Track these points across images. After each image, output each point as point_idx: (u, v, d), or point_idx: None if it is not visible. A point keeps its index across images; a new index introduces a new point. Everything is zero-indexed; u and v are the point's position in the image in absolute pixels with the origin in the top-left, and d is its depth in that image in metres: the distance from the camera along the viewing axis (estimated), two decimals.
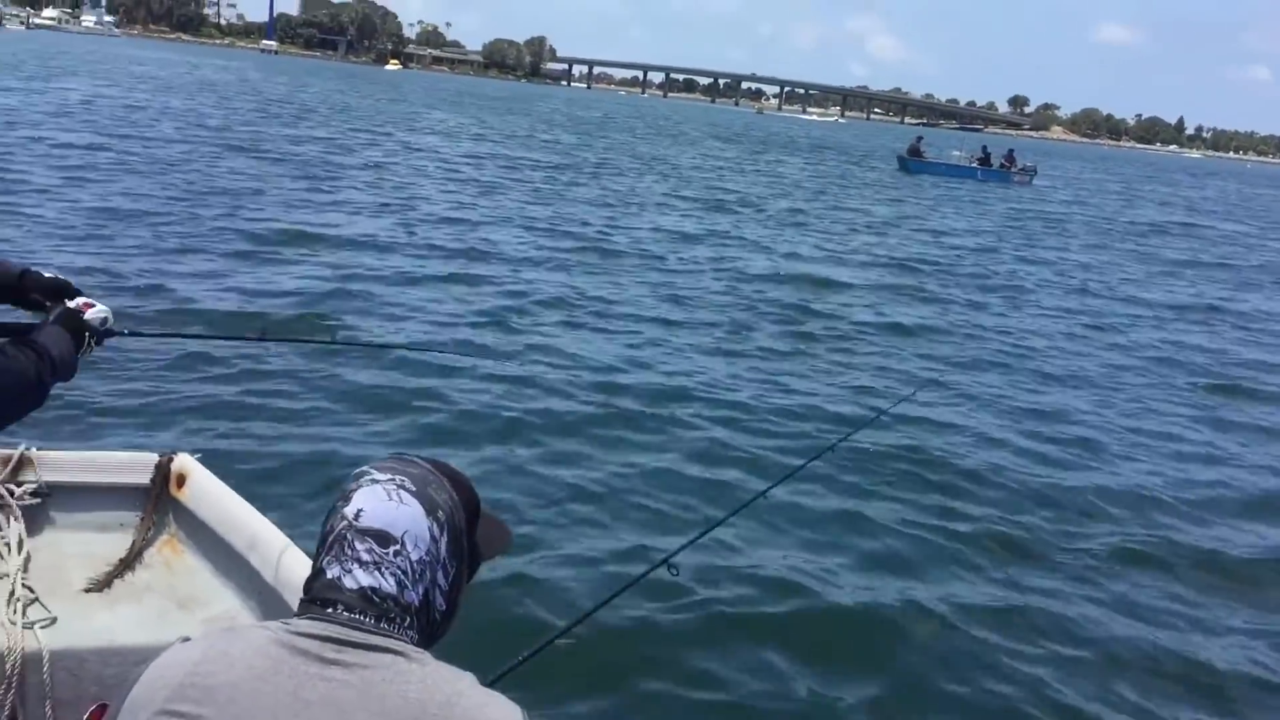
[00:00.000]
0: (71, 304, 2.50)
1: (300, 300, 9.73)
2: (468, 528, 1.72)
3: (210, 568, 3.62)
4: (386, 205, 18.21)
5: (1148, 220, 35.65)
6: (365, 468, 1.69)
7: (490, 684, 1.58)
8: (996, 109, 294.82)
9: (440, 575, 1.64)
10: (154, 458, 3.77)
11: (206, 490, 3.69)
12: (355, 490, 1.64)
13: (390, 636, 1.55)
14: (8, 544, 3.50)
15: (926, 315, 13.96)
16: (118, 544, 3.65)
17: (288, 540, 3.40)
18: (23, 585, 3.37)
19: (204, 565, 3.64)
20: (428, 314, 10.14)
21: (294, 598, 3.18)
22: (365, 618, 1.55)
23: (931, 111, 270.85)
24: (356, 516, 1.61)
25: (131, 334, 3.05)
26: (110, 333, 2.57)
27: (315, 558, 1.63)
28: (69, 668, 3.22)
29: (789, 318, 12.78)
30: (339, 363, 7.46)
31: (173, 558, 3.69)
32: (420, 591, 1.61)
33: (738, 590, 5.41)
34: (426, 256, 13.83)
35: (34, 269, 2.59)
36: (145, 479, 3.73)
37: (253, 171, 19.72)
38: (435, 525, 1.64)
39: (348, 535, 1.60)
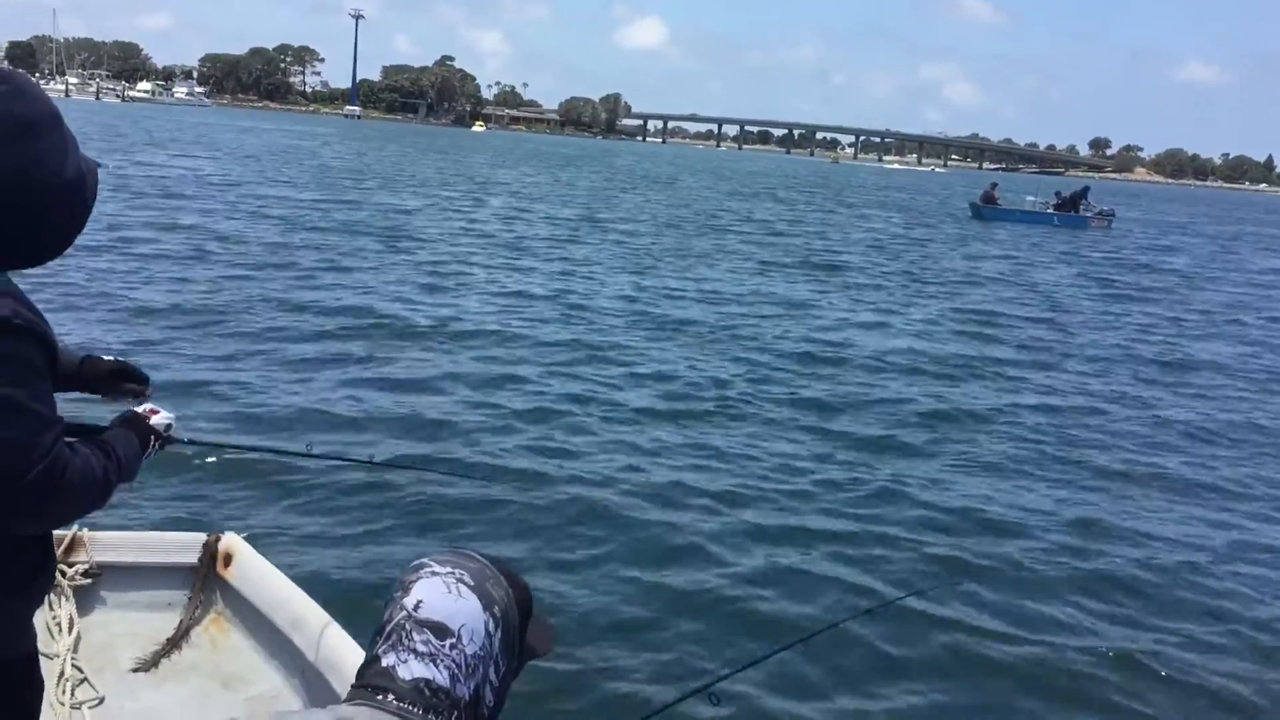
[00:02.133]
0: (140, 409, 2.55)
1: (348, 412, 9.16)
2: (521, 624, 1.74)
3: (255, 646, 3.67)
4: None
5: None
6: (424, 559, 1.71)
7: None
8: (1078, 152, 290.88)
9: (492, 671, 1.66)
10: (202, 537, 3.85)
11: (252, 569, 3.74)
12: (415, 581, 1.66)
13: None
14: (59, 624, 3.58)
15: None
16: (166, 623, 3.72)
17: (330, 619, 3.45)
18: (72, 665, 3.45)
19: (249, 644, 3.69)
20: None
21: (336, 678, 3.23)
22: (415, 708, 1.56)
23: (1010, 156, 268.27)
24: (416, 608, 1.62)
25: (191, 443, 3.07)
26: (171, 439, 2.61)
27: (371, 644, 1.64)
28: None
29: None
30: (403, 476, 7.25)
31: (219, 636, 3.74)
32: (472, 687, 1.62)
33: None
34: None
35: (94, 354, 2.67)
36: (193, 558, 3.80)
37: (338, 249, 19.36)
38: (491, 620, 1.66)
39: (406, 625, 1.61)
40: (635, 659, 5.27)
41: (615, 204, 39.40)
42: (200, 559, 3.80)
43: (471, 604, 1.64)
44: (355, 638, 3.31)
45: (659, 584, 6.13)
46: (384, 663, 1.61)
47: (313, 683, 3.37)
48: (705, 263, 22.44)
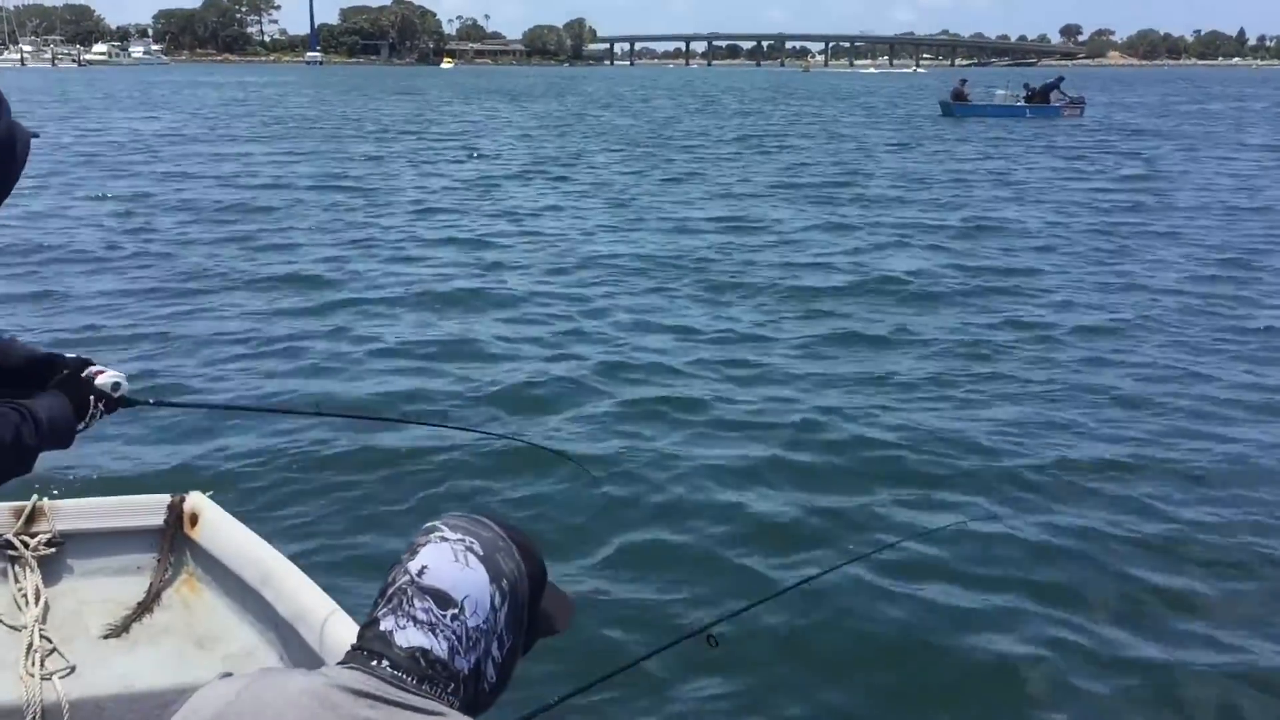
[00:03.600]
0: (83, 372, 2.45)
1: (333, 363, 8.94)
2: (531, 600, 1.68)
3: (228, 605, 3.62)
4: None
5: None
6: (436, 522, 1.66)
7: None
8: (1049, 41, 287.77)
9: (495, 646, 1.60)
10: (166, 499, 3.78)
11: (220, 528, 3.68)
12: (423, 545, 1.60)
13: (430, 699, 1.51)
14: (25, 595, 3.52)
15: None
16: (135, 587, 3.66)
17: (302, 574, 3.40)
18: (40, 636, 3.39)
19: (222, 603, 3.64)
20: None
21: (310, 632, 3.19)
22: (409, 677, 1.51)
23: (982, 50, 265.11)
24: (420, 573, 1.57)
25: (157, 403, 3.00)
26: (128, 400, 2.53)
27: (373, 606, 1.60)
28: (90, 715, 3.24)
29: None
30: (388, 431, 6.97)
31: (191, 597, 3.69)
32: (472, 660, 1.57)
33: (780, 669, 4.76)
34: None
35: (23, 342, 2.53)
36: (159, 520, 3.74)
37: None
38: (498, 594, 1.60)
39: (408, 590, 1.56)
40: (633, 603, 5.20)
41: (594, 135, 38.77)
42: (166, 520, 3.73)
43: (478, 574, 1.58)
44: (328, 591, 3.27)
45: (657, 535, 5.95)
46: (382, 626, 1.56)
47: (288, 638, 3.33)
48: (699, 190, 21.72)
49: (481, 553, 1.60)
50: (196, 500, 3.78)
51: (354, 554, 5.37)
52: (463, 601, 1.56)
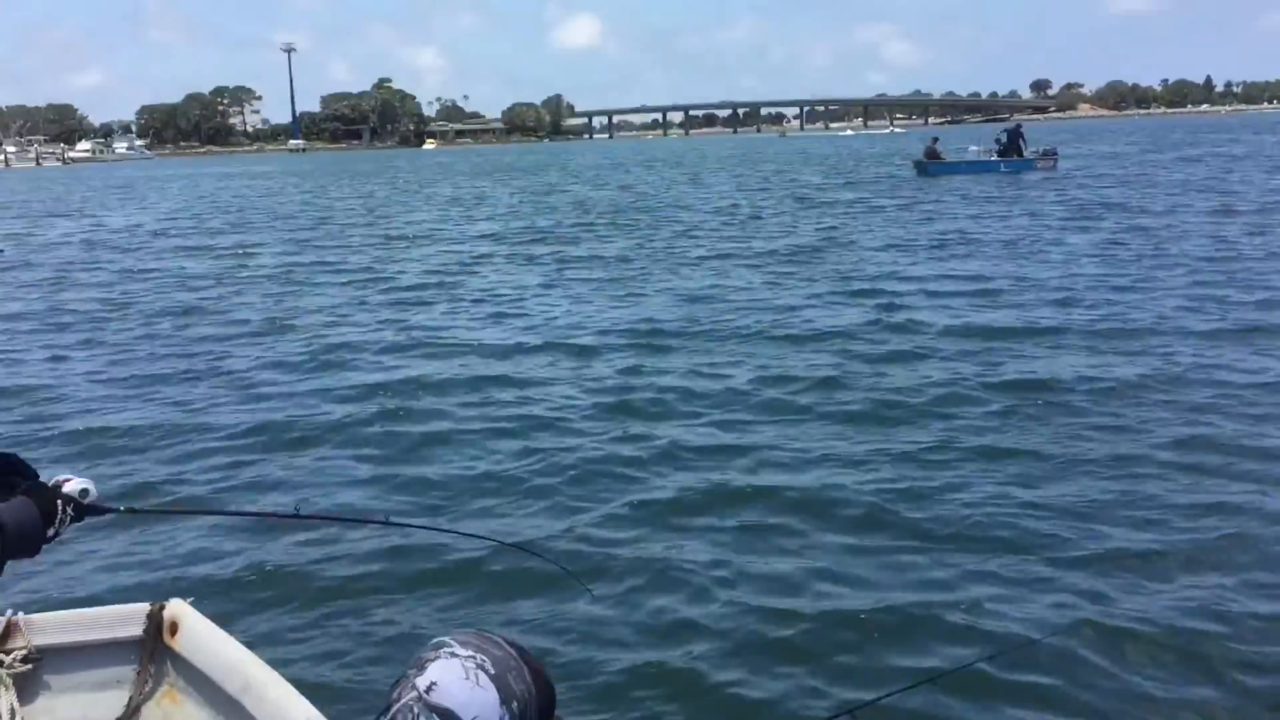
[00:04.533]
0: (50, 481, 2.43)
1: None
2: None
3: (210, 717, 3.50)
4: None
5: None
6: (445, 638, 1.60)
7: None
8: (1020, 96, 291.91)
9: None
10: (145, 607, 3.68)
11: (201, 636, 3.58)
12: (431, 660, 1.55)
13: None
14: (0, 716, 3.42)
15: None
16: (115, 702, 3.56)
17: (285, 683, 3.31)
18: None
19: (204, 714, 3.53)
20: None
21: None
22: None
23: (954, 108, 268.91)
24: (428, 690, 1.51)
25: (128, 510, 2.95)
26: (96, 508, 2.50)
27: None
28: None
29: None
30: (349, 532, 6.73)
31: (172, 709, 3.59)
32: None
33: None
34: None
35: None
36: (138, 631, 3.64)
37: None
38: (508, 716, 1.54)
39: (414, 709, 1.50)
40: (766, 685, 4.99)
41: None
42: (145, 630, 3.63)
43: (489, 695, 1.52)
44: (312, 699, 3.18)
45: (778, 609, 5.68)
46: None
47: None
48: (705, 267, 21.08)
49: (493, 671, 1.54)
50: (176, 608, 3.68)
51: (338, 660, 5.21)
52: None
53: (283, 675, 3.38)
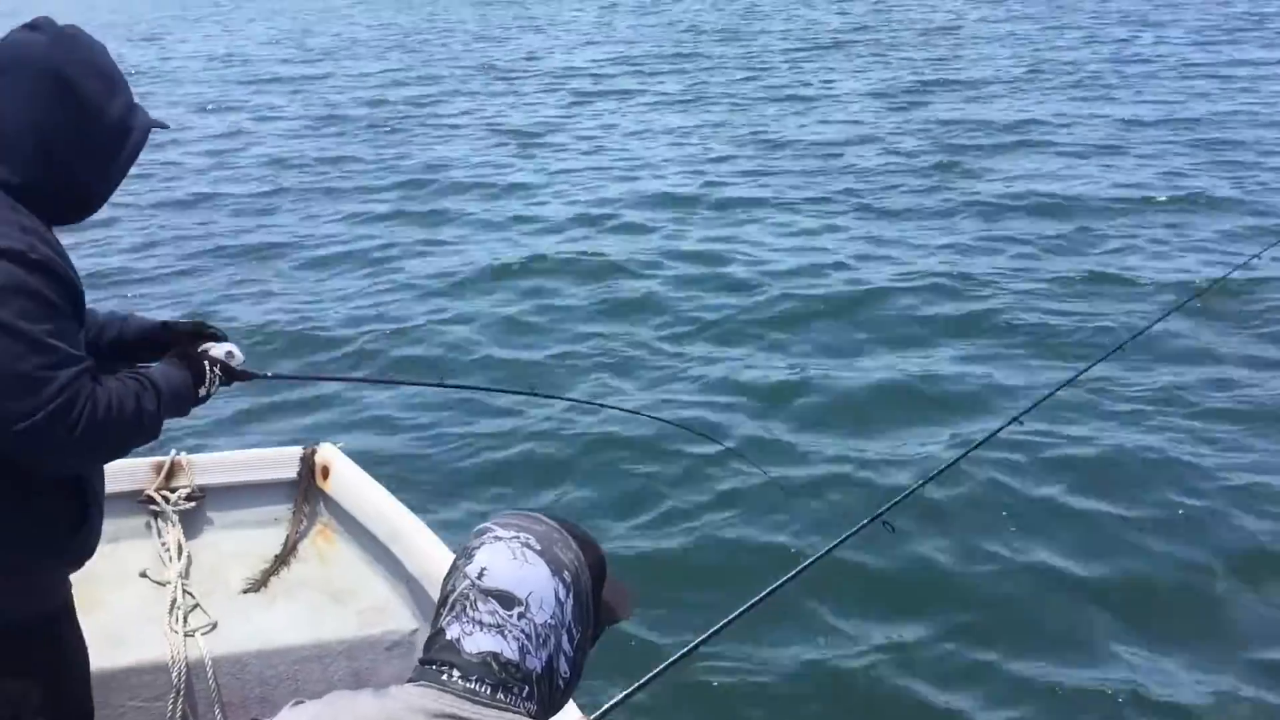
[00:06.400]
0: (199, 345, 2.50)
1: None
2: (594, 589, 1.63)
3: (361, 558, 3.67)
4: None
5: None
6: (487, 524, 1.61)
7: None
8: None
9: (565, 640, 1.55)
10: (298, 450, 3.82)
11: (351, 480, 3.72)
12: (478, 548, 1.56)
13: (508, 710, 1.47)
14: (168, 550, 3.59)
15: None
16: (272, 540, 3.72)
17: (430, 531, 3.45)
18: (184, 591, 3.46)
19: (355, 556, 3.68)
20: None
21: (436, 590, 3.16)
22: (482, 687, 1.46)
23: None
24: (480, 575, 1.52)
25: (274, 376, 2.98)
26: (244, 373, 2.55)
27: (435, 617, 1.56)
28: (232, 671, 3.30)
29: None
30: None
31: (326, 548, 3.73)
32: (544, 658, 1.52)
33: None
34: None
35: (171, 320, 2.62)
36: (292, 473, 3.78)
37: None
38: (561, 586, 1.55)
39: (470, 595, 1.51)
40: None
41: None
42: (299, 472, 3.77)
43: (539, 570, 1.53)
44: (449, 546, 3.26)
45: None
46: (449, 635, 1.51)
47: (417, 593, 3.37)
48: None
49: (539, 547, 1.55)
50: (327, 452, 3.81)
51: (478, 516, 5.28)
52: (527, 599, 1.51)
53: (427, 524, 3.48)
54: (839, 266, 9.22)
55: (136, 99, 2.24)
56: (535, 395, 5.89)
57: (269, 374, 2.84)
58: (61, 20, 2.16)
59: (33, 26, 2.10)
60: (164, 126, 2.38)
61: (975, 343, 7.48)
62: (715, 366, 7.33)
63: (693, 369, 7.32)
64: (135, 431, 2.16)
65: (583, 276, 9.40)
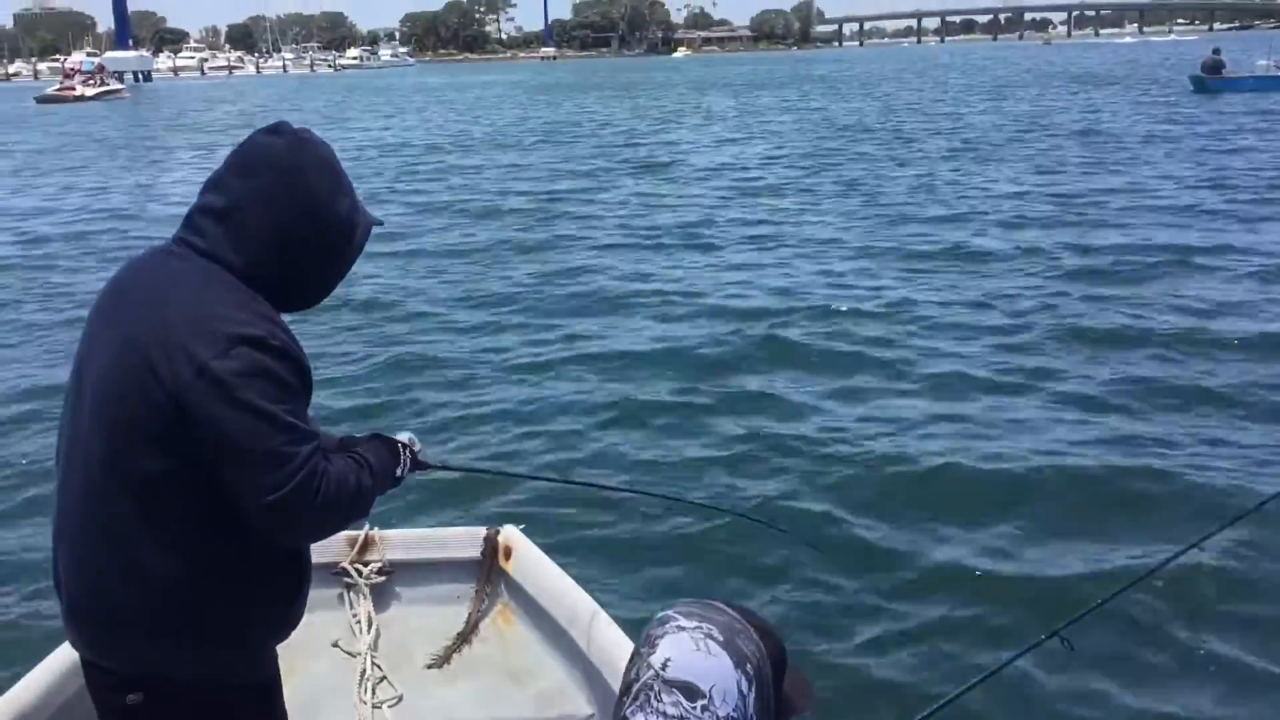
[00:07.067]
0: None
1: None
2: (775, 681, 1.65)
3: (540, 640, 3.75)
4: None
5: None
6: (669, 612, 1.65)
7: None
8: None
9: None
10: (482, 531, 3.95)
11: (532, 562, 3.82)
12: (661, 637, 1.59)
13: None
14: (359, 622, 3.76)
15: None
16: (455, 617, 3.85)
17: (604, 614, 3.49)
18: (373, 663, 3.61)
19: (534, 637, 3.77)
20: None
21: (612, 675, 3.25)
22: None
23: (1245, 12, 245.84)
24: (664, 666, 1.54)
25: (442, 466, 3.02)
26: (424, 464, 2.67)
27: (618, 705, 1.59)
28: None
29: None
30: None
31: (505, 629, 3.84)
32: None
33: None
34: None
35: (351, 435, 2.68)
36: (476, 553, 3.90)
37: None
38: (744, 679, 1.56)
39: (654, 686, 1.54)
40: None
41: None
42: (483, 552, 3.90)
43: (722, 661, 1.55)
44: (627, 633, 3.31)
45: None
46: None
47: (594, 678, 3.42)
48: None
49: (722, 638, 1.56)
50: (510, 534, 3.93)
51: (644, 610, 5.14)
52: (710, 691, 1.51)
53: (604, 609, 3.55)
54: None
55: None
56: (710, 508, 5.71)
57: (438, 464, 2.87)
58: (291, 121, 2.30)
59: (273, 131, 2.26)
60: (381, 224, 2.48)
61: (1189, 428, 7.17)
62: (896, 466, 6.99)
63: (874, 471, 6.97)
64: (358, 505, 2.30)
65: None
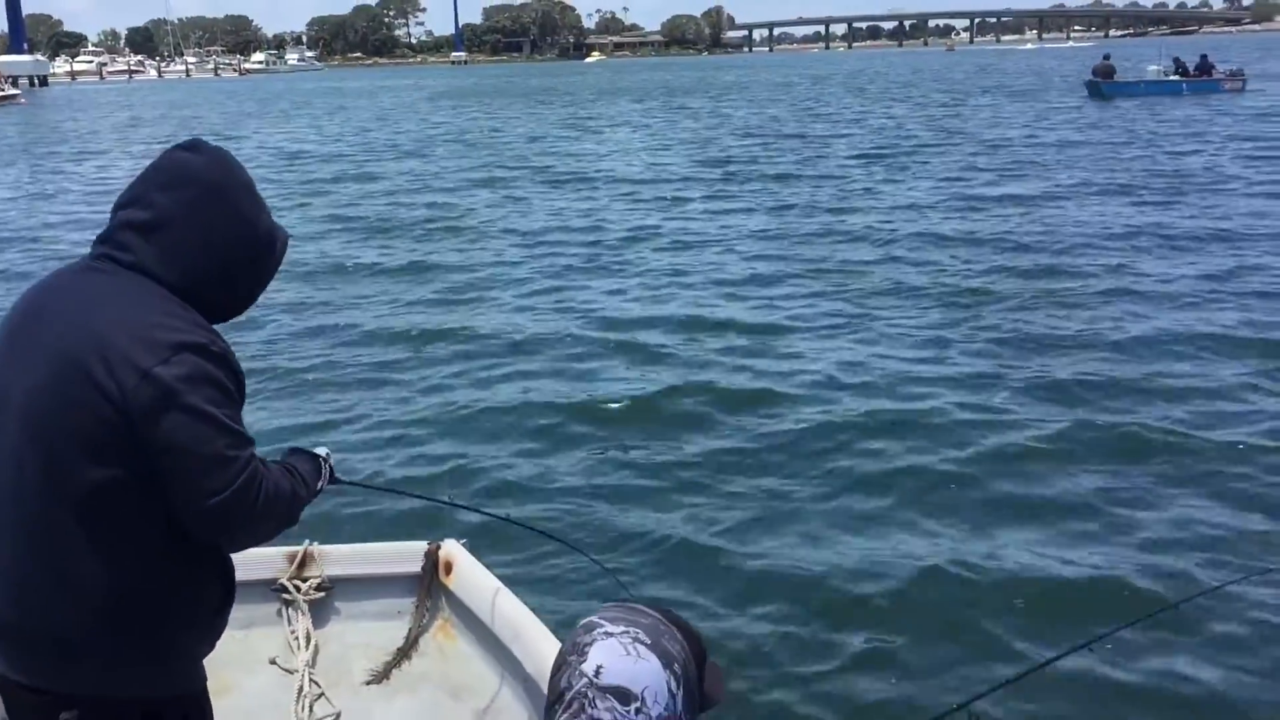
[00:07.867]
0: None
1: None
2: (698, 677, 1.69)
3: (480, 656, 3.69)
4: None
5: None
6: (593, 619, 1.67)
7: None
8: (1210, 6, 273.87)
9: None
10: (423, 545, 3.87)
11: (473, 576, 3.75)
12: (590, 645, 1.61)
13: None
14: (297, 638, 3.70)
15: None
16: (395, 632, 3.79)
17: (548, 631, 3.44)
18: (310, 680, 3.57)
19: (474, 653, 3.71)
20: None
21: None
22: None
23: (1138, 20, 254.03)
24: (596, 674, 1.57)
25: (352, 483, 3.03)
26: (339, 479, 2.67)
27: (548, 713, 1.61)
28: None
29: None
30: None
31: (446, 644, 3.80)
32: None
33: None
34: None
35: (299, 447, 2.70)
36: (417, 567, 3.84)
37: None
38: (673, 679, 1.60)
39: (588, 694, 1.56)
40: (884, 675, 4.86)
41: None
42: (423, 567, 3.83)
43: (652, 664, 1.58)
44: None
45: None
46: None
47: (534, 693, 3.36)
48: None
49: (649, 640, 1.60)
50: (451, 548, 3.87)
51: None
52: (643, 694, 1.55)
53: (545, 624, 3.53)
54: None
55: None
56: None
57: (345, 479, 2.84)
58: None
59: (191, 147, 2.28)
60: (290, 237, 2.50)
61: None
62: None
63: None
64: (292, 513, 2.33)
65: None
